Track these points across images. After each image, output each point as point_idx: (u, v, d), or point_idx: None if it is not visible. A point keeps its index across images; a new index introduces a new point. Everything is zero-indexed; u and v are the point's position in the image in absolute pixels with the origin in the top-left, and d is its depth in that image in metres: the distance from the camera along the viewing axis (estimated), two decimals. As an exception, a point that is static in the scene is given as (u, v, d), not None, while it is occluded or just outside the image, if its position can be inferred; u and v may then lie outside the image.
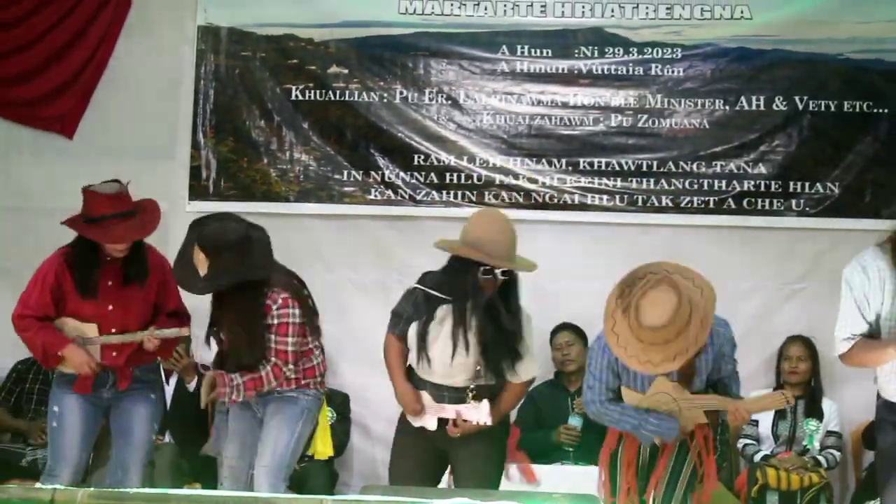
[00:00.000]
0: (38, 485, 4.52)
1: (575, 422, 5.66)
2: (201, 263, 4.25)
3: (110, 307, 4.59)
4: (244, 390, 4.32)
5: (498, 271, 4.15)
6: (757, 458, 5.67)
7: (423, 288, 4.30)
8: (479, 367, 4.22)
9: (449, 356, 4.20)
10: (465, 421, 4.24)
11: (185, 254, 4.34)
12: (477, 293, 4.15)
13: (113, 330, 4.58)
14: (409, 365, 4.38)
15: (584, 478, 4.54)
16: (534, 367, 4.38)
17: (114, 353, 4.62)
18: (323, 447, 4.71)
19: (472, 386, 4.24)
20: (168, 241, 6.43)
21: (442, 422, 4.30)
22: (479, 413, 4.24)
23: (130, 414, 4.67)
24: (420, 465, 4.35)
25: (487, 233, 4.21)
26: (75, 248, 4.59)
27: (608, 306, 3.96)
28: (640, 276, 3.91)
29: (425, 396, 4.30)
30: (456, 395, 4.27)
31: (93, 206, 4.50)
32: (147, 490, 4.77)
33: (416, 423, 4.34)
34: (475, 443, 4.27)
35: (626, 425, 4.12)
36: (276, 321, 4.33)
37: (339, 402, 6.06)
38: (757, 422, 5.76)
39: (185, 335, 4.76)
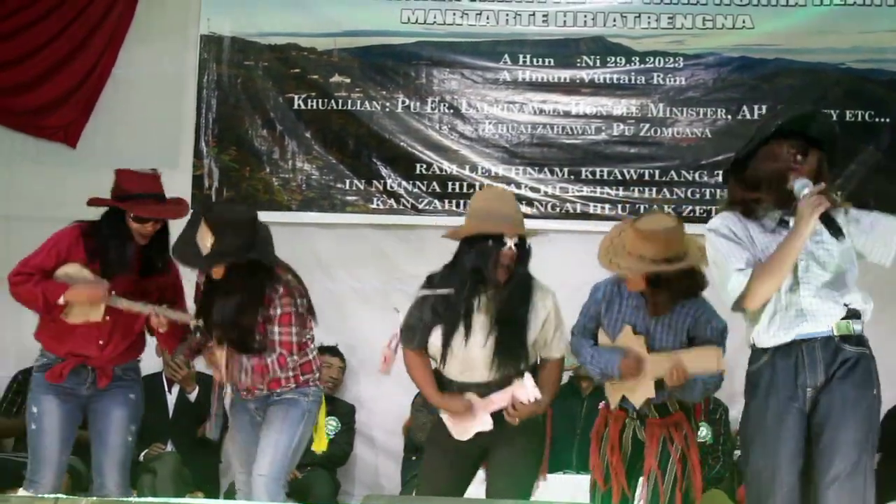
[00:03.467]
0: (20, 492, 4.44)
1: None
2: (206, 239, 4.16)
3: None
4: (252, 373, 4.25)
5: (511, 241, 3.98)
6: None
7: (434, 291, 4.14)
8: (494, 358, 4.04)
9: (483, 347, 4.05)
10: (521, 404, 4.01)
11: (191, 232, 4.24)
12: (497, 270, 3.99)
13: (107, 318, 4.45)
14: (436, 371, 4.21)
15: (585, 487, 4.50)
16: (565, 343, 4.22)
17: (100, 342, 4.49)
18: (318, 442, 4.59)
19: (521, 367, 4.07)
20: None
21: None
22: (526, 389, 4.02)
23: (106, 416, 4.53)
24: (452, 466, 4.20)
25: (496, 203, 4.14)
26: (97, 226, 4.50)
27: (604, 241, 4.13)
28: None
29: (471, 396, 4.11)
30: (498, 387, 4.10)
31: (130, 182, 4.49)
32: (149, 499, 4.79)
33: (471, 430, 4.10)
34: (514, 446, 4.11)
35: (593, 366, 4.20)
36: (279, 311, 4.26)
37: (345, 412, 6.04)
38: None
39: (187, 321, 4.45)
